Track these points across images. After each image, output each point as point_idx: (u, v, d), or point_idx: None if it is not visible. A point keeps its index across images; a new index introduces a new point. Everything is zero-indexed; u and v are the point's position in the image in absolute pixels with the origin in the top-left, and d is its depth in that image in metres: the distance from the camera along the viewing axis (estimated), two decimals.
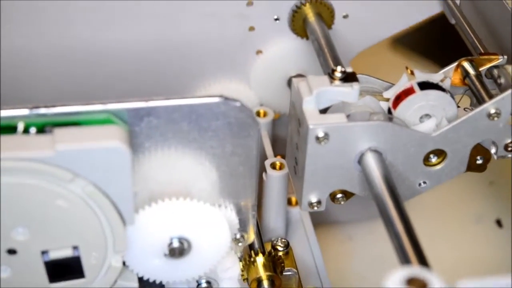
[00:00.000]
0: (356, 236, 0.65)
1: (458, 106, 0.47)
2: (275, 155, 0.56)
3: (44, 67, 0.56)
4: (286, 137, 0.60)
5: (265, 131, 0.56)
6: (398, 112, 0.47)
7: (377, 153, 0.46)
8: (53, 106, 0.41)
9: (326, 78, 0.46)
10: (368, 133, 0.45)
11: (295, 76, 0.58)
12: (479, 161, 0.48)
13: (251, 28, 0.56)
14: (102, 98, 0.53)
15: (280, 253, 0.50)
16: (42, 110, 0.41)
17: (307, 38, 0.56)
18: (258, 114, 0.56)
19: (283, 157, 0.61)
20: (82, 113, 0.41)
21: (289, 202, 0.56)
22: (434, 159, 0.47)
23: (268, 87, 0.58)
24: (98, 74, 0.56)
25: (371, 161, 0.45)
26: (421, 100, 0.46)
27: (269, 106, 0.59)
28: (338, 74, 0.45)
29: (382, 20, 0.57)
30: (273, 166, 0.52)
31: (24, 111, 0.41)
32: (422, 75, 0.47)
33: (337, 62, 0.52)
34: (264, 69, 0.57)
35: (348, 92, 0.45)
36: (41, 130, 0.40)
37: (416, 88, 0.46)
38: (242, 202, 0.46)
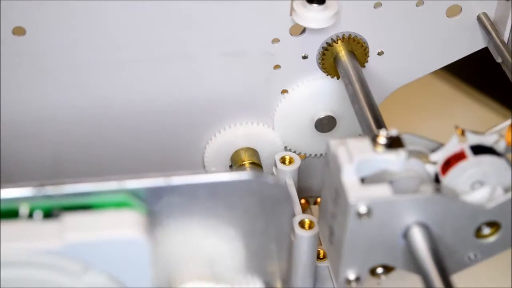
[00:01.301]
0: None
1: None
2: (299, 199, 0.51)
3: (46, 134, 0.51)
4: (311, 179, 0.56)
5: (290, 179, 0.51)
6: (447, 179, 0.42)
7: (424, 226, 0.41)
8: (61, 183, 0.36)
9: (367, 143, 0.41)
10: (415, 206, 0.40)
11: (323, 118, 0.53)
12: None
13: (277, 66, 0.51)
14: (115, 158, 0.47)
15: None
16: (50, 190, 0.36)
17: (338, 77, 0.51)
18: (283, 161, 0.51)
19: (307, 201, 0.57)
20: (95, 194, 0.36)
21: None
22: (486, 231, 0.42)
23: (293, 128, 0.53)
24: (106, 133, 0.51)
25: (418, 236, 0.40)
26: (473, 167, 0.41)
27: (294, 148, 0.54)
28: (382, 140, 0.40)
29: (420, 57, 0.52)
30: (301, 224, 0.47)
31: (28, 191, 0.36)
32: (474, 137, 0.42)
33: (373, 109, 0.47)
34: (289, 109, 0.52)
35: (394, 161, 0.40)
36: (47, 213, 0.35)
37: (469, 153, 0.41)
38: (272, 279, 0.41)
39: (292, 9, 0.48)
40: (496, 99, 0.72)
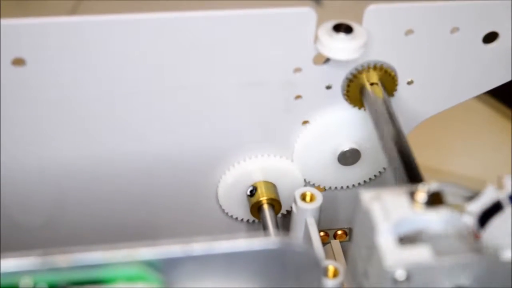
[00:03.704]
0: None
1: None
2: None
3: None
4: (331, 211, 0.52)
5: (311, 218, 0.47)
6: (487, 234, 0.38)
7: None
8: (68, 252, 0.32)
9: (405, 200, 0.37)
10: (456, 268, 0.36)
11: (347, 151, 0.49)
12: None
13: (298, 97, 0.47)
14: (122, 215, 0.43)
15: None
16: (55, 262, 0.32)
17: (363, 107, 0.47)
18: (303, 197, 0.47)
19: (327, 233, 0.53)
20: (106, 266, 0.32)
21: None
22: None
23: (314, 161, 0.49)
24: (111, 187, 0.48)
25: None
26: None
27: (315, 182, 0.50)
28: (421, 198, 0.37)
29: (453, 86, 0.48)
30: (325, 272, 0.44)
31: (32, 262, 0.32)
32: None
33: (401, 144, 0.44)
34: (311, 141, 0.48)
35: (434, 221, 0.36)
36: None
37: (507, 203, 0.38)
38: None
39: (316, 37, 0.44)
40: None
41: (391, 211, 0.37)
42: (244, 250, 0.33)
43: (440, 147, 0.67)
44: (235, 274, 0.35)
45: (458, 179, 0.64)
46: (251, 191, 0.50)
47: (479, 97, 0.68)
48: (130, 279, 0.32)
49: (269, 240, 0.33)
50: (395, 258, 0.36)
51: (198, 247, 0.33)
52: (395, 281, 0.36)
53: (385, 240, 0.36)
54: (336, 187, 0.51)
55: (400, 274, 0.36)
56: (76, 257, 0.32)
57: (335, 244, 0.53)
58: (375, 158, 0.50)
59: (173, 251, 0.33)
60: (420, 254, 0.36)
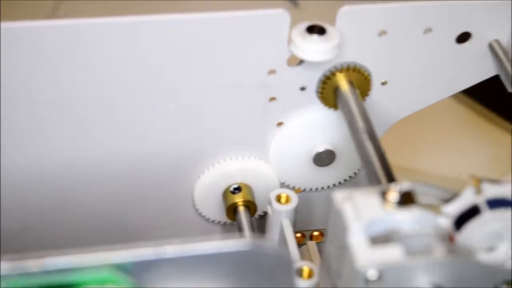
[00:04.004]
0: None
1: None
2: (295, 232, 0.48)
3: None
4: (307, 212, 0.53)
5: (287, 220, 0.47)
6: (462, 237, 0.38)
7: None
8: (41, 256, 0.32)
9: (376, 200, 0.37)
10: (428, 268, 0.37)
11: (322, 152, 0.49)
12: None
13: (272, 99, 0.47)
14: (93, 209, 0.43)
15: None
16: (28, 266, 0.32)
17: (336, 108, 0.47)
18: (279, 199, 0.48)
19: (303, 234, 0.53)
20: (78, 270, 0.32)
21: None
22: None
23: (290, 163, 0.49)
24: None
25: None
26: (491, 223, 0.38)
27: (291, 183, 0.50)
28: (393, 197, 0.37)
29: (428, 86, 0.49)
30: (300, 273, 0.44)
31: (2, 267, 0.32)
32: (491, 188, 0.39)
33: (375, 143, 0.44)
34: (286, 143, 0.48)
35: (405, 221, 0.37)
36: None
37: (485, 208, 0.38)
38: None
39: (290, 39, 0.44)
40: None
41: (362, 211, 0.37)
42: (216, 252, 0.33)
43: (417, 147, 0.67)
44: (208, 276, 0.35)
45: (435, 179, 0.64)
46: (234, 189, 0.49)
47: (455, 97, 0.69)
48: (100, 282, 0.32)
49: (241, 242, 0.33)
50: (367, 258, 0.36)
51: (171, 250, 0.33)
52: (367, 281, 0.36)
53: (357, 240, 0.36)
54: (311, 189, 0.51)
55: (372, 274, 0.36)
56: (47, 262, 0.32)
57: (311, 245, 0.53)
58: (350, 159, 0.50)
59: (145, 254, 0.33)
60: (392, 254, 0.36)
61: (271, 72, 0.46)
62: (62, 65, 0.42)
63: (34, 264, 0.32)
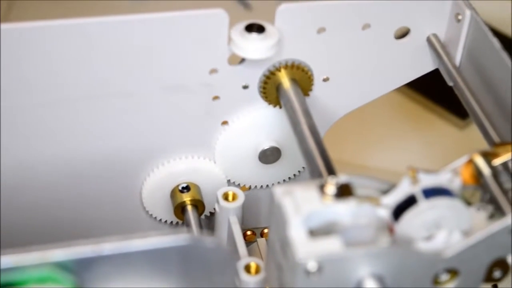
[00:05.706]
0: None
1: None
2: (244, 230, 0.49)
3: None
4: (257, 210, 0.53)
5: (234, 217, 0.48)
6: (400, 226, 0.39)
7: (379, 278, 0.38)
8: None
9: (315, 193, 0.38)
10: (369, 259, 0.37)
11: (267, 149, 0.49)
12: (497, 275, 0.40)
13: (216, 98, 0.47)
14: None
15: None
16: None
17: (280, 106, 0.48)
18: (226, 197, 0.48)
19: (253, 232, 0.54)
20: (17, 269, 0.32)
21: None
22: (444, 277, 0.40)
23: (236, 161, 0.50)
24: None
25: None
26: (427, 212, 0.39)
27: (238, 181, 0.51)
28: (330, 190, 0.37)
29: (368, 81, 0.49)
30: (247, 269, 0.44)
31: None
32: (427, 177, 0.39)
33: (317, 140, 0.45)
34: (231, 141, 0.49)
35: (343, 213, 0.37)
36: None
37: (421, 197, 0.39)
38: None
39: (230, 38, 0.45)
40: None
41: (301, 204, 0.37)
42: (154, 248, 0.33)
43: (366, 143, 0.68)
44: (151, 275, 0.35)
45: (384, 174, 0.64)
46: (183, 188, 0.50)
47: (405, 93, 0.69)
48: (41, 280, 0.32)
49: (179, 237, 0.34)
50: (306, 250, 0.36)
51: (108, 247, 0.33)
52: (307, 272, 0.36)
53: (297, 233, 0.37)
54: (258, 186, 0.52)
55: (312, 266, 0.36)
56: None
57: (262, 242, 0.54)
58: (296, 156, 0.50)
59: (83, 251, 0.33)
60: (331, 245, 0.37)
61: (213, 71, 0.46)
62: None
63: None
